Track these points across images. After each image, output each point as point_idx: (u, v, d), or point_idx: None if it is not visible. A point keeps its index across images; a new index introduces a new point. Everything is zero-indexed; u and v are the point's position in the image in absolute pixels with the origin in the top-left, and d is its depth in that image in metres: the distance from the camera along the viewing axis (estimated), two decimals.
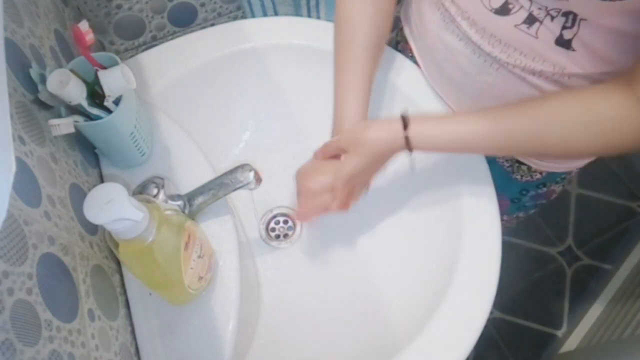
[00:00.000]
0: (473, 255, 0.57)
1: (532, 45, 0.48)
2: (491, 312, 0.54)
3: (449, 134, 0.50)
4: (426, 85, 0.66)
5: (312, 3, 0.77)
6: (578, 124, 0.45)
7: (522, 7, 0.47)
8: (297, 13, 0.78)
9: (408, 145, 0.51)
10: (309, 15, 0.79)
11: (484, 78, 0.55)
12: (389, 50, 0.68)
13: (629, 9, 0.41)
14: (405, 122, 0.50)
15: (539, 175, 0.68)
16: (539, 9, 0.46)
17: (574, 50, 0.47)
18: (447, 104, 0.64)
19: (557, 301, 1.43)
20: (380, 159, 0.54)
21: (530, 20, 0.47)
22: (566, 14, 0.45)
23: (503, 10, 0.48)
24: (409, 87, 0.67)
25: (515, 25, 0.48)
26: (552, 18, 0.45)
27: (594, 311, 1.34)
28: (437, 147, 0.51)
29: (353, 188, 0.57)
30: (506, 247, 0.58)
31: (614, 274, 1.39)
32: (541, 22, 0.46)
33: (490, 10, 0.49)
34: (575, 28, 0.45)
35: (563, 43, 0.47)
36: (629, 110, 0.43)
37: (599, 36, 0.45)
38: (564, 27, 0.46)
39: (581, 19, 0.44)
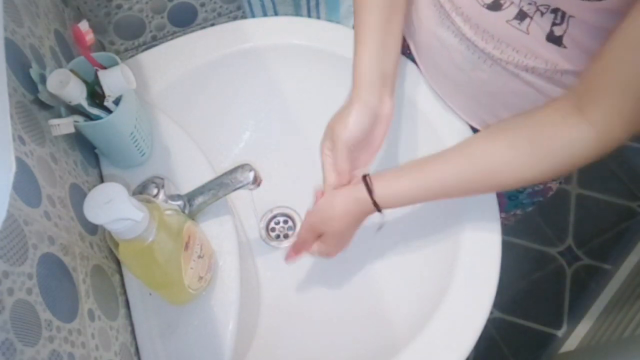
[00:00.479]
0: (473, 256, 0.57)
1: (524, 42, 0.49)
2: (491, 312, 0.54)
3: (411, 188, 0.52)
4: (425, 84, 0.66)
5: (312, 3, 0.77)
6: (528, 157, 0.47)
7: (512, 2, 0.47)
8: (297, 13, 0.78)
9: (377, 208, 0.53)
10: (309, 15, 0.79)
11: (478, 74, 0.55)
12: None
13: (608, 7, 0.41)
14: (369, 187, 0.52)
15: None
16: (529, 4, 0.46)
17: (565, 47, 0.47)
18: (445, 101, 0.65)
19: (557, 301, 1.43)
20: (354, 226, 0.56)
21: (521, 15, 0.47)
22: (555, 11, 0.45)
23: (495, 6, 0.48)
24: (409, 87, 0.67)
25: (507, 21, 0.48)
26: (542, 14, 0.46)
27: (594, 311, 1.35)
28: (404, 202, 0.53)
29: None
30: (506, 247, 0.58)
31: (614, 274, 1.39)
32: (531, 18, 0.47)
33: (483, 6, 0.49)
34: (564, 25, 0.45)
35: (554, 39, 0.47)
36: (583, 142, 0.45)
37: (588, 33, 0.45)
38: (553, 24, 0.46)
39: (569, 16, 0.44)
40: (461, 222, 0.59)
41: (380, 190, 0.52)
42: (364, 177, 0.53)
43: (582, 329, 1.33)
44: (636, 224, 1.51)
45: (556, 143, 0.46)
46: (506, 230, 0.67)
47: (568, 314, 1.40)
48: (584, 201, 1.55)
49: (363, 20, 0.55)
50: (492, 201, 0.60)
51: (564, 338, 1.35)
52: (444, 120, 0.64)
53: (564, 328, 1.39)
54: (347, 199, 0.54)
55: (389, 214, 0.62)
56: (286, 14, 0.78)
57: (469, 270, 0.56)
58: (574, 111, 0.45)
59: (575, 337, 1.32)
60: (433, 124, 0.65)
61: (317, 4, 0.77)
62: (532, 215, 1.52)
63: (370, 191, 0.52)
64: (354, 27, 0.57)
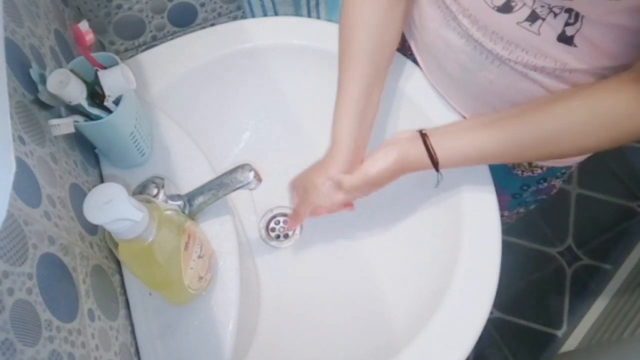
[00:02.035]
0: (473, 255, 0.57)
1: (534, 42, 0.48)
2: (491, 312, 0.54)
3: (465, 146, 0.52)
4: (427, 84, 0.66)
5: (312, 3, 0.77)
6: (585, 125, 0.47)
7: (524, 4, 0.47)
8: (297, 13, 0.78)
9: (436, 165, 0.53)
10: (309, 15, 0.79)
11: (485, 75, 0.55)
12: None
13: (630, 6, 0.41)
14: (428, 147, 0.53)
15: (539, 170, 0.69)
16: (542, 6, 0.46)
17: (575, 46, 0.47)
18: (449, 102, 0.64)
19: (557, 301, 1.43)
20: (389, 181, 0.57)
21: (533, 17, 0.47)
22: (569, 11, 0.45)
23: (505, 8, 0.48)
24: (411, 87, 0.67)
25: (518, 23, 0.48)
26: (555, 15, 0.46)
27: (594, 311, 1.34)
28: (457, 162, 0.54)
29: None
30: (506, 247, 0.58)
31: (614, 274, 1.39)
32: (544, 19, 0.46)
33: (493, 8, 0.49)
34: (577, 24, 0.45)
35: (565, 39, 0.47)
36: (634, 108, 0.44)
37: (602, 32, 0.45)
38: (566, 24, 0.46)
39: (583, 16, 0.44)
40: (461, 222, 0.59)
41: (441, 147, 0.53)
42: (422, 134, 0.54)
43: (582, 329, 1.33)
44: (636, 224, 1.51)
45: (614, 111, 0.46)
46: (506, 230, 0.67)
47: (568, 314, 1.40)
48: (584, 201, 1.55)
49: (346, 87, 0.58)
50: (492, 201, 0.60)
51: (564, 338, 1.35)
52: (445, 121, 0.64)
53: (564, 328, 1.39)
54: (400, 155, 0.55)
55: (387, 209, 0.62)
56: (286, 14, 0.78)
57: (469, 270, 0.56)
58: (633, 83, 0.45)
59: (575, 337, 1.32)
60: (433, 124, 0.65)
61: (317, 4, 0.77)
62: (532, 215, 1.51)
63: (430, 152, 0.53)
64: (337, 88, 0.59)
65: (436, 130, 0.54)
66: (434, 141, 0.53)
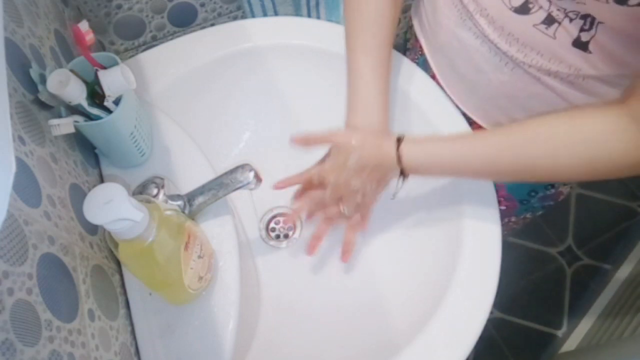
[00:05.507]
0: (473, 255, 0.57)
1: (550, 46, 0.48)
2: (491, 312, 0.54)
3: (442, 154, 0.52)
4: (435, 89, 0.66)
5: (312, 3, 0.77)
6: (566, 145, 0.45)
7: (541, 7, 0.47)
8: (297, 13, 0.78)
9: (400, 164, 0.52)
10: (309, 15, 0.79)
11: (499, 77, 0.55)
12: (396, 55, 0.68)
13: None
14: (399, 141, 0.52)
15: None
16: (558, 10, 0.46)
17: (590, 52, 0.47)
18: (456, 104, 0.64)
19: (557, 301, 1.43)
20: (367, 170, 0.55)
21: (549, 20, 0.47)
22: (584, 17, 0.44)
23: (523, 9, 0.48)
24: (417, 91, 0.67)
25: (534, 25, 0.48)
26: (571, 20, 0.45)
27: (594, 311, 1.35)
28: (429, 166, 0.53)
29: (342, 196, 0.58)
30: (506, 247, 0.58)
31: (614, 274, 1.40)
32: (560, 23, 0.46)
33: (510, 9, 0.49)
34: (592, 31, 0.45)
35: (580, 45, 0.46)
36: (618, 127, 0.43)
37: (616, 40, 0.44)
38: (581, 30, 0.45)
39: (599, 22, 0.44)
40: (461, 223, 0.59)
41: (409, 147, 0.52)
42: (398, 139, 0.53)
43: (582, 329, 1.33)
44: (636, 224, 1.51)
45: (593, 129, 0.44)
46: (511, 231, 0.67)
47: (568, 314, 1.41)
48: (584, 201, 1.56)
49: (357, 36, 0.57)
50: (492, 201, 0.60)
51: (564, 338, 1.35)
52: (451, 127, 0.64)
53: (564, 328, 1.39)
54: (371, 148, 0.54)
55: (387, 209, 0.61)
56: (286, 14, 0.78)
57: (469, 271, 0.56)
58: (618, 104, 0.44)
59: (575, 337, 1.32)
60: (435, 126, 0.65)
61: (317, 4, 0.77)
62: (536, 216, 1.52)
63: (398, 145, 0.52)
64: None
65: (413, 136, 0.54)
66: (406, 139, 0.53)
